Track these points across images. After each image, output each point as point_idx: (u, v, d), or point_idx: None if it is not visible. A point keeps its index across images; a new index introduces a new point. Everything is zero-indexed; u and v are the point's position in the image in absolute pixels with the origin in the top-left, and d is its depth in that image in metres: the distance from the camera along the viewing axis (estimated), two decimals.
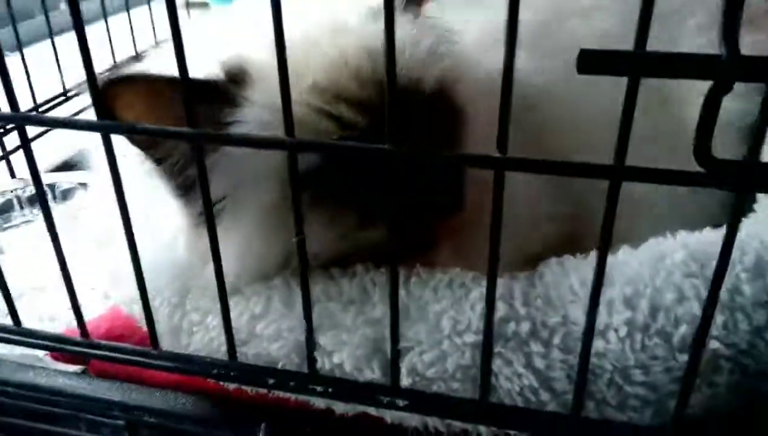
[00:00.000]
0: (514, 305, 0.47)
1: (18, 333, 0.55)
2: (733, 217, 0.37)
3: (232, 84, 0.49)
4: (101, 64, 0.41)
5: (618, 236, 0.42)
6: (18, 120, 0.45)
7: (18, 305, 0.55)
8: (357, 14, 0.52)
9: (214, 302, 0.53)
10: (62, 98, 1.14)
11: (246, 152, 0.48)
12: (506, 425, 0.47)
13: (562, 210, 0.65)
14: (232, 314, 0.48)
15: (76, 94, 1.10)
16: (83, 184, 0.96)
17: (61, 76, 1.12)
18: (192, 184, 0.49)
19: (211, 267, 0.44)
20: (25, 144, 0.46)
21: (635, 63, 0.32)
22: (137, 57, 1.21)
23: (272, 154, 0.46)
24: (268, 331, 0.50)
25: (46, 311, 0.80)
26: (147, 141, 0.48)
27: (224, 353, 0.52)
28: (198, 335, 0.53)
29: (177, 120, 0.40)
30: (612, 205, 0.37)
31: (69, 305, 0.52)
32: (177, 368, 0.52)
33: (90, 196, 0.67)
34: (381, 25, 0.35)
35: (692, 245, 0.48)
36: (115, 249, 0.62)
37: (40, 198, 0.48)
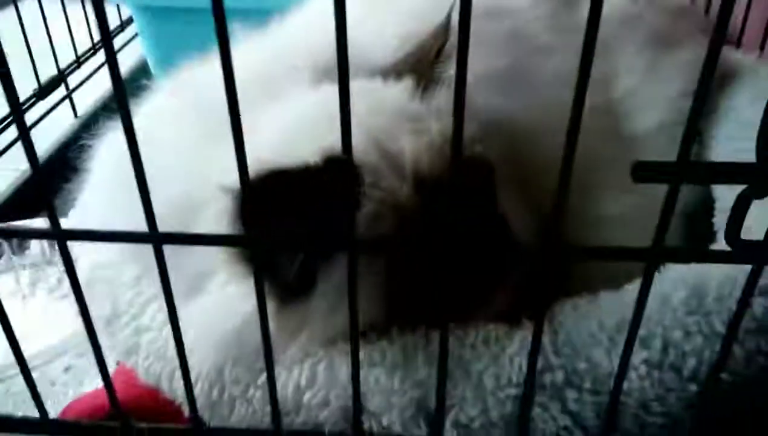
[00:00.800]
0: (547, 356, 0.51)
1: (47, 425, 0.54)
2: (748, 282, 0.42)
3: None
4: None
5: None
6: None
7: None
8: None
9: (252, 375, 0.55)
10: None
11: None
12: None
13: None
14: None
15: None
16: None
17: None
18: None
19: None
20: None
21: (684, 172, 0.36)
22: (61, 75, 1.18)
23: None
24: (316, 400, 0.53)
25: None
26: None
27: (268, 423, 0.55)
28: (240, 408, 0.55)
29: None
30: (647, 284, 0.42)
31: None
32: None
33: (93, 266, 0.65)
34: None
35: (690, 282, 0.53)
36: (124, 323, 0.62)
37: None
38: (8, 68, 0.37)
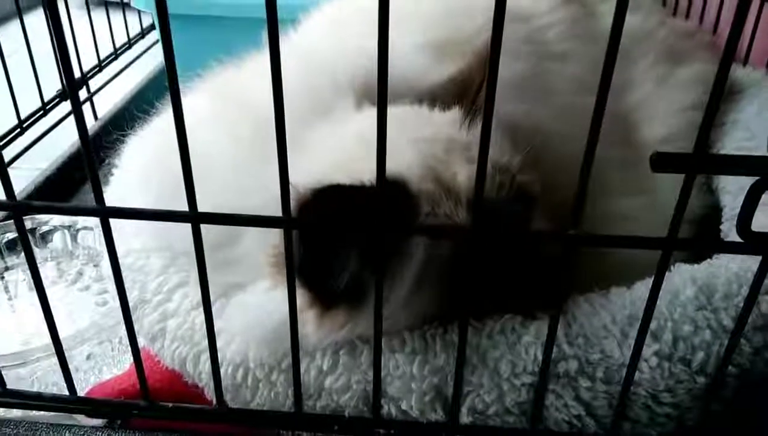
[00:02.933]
0: (561, 346, 0.53)
1: (76, 402, 0.56)
2: (758, 275, 0.44)
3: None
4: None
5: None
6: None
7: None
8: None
9: (276, 359, 0.57)
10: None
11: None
12: None
13: None
14: None
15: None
16: (65, 227, 0.95)
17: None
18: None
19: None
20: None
21: (701, 162, 0.38)
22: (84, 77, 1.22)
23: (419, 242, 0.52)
24: (338, 384, 0.55)
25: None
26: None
27: (290, 406, 0.57)
28: (263, 391, 0.57)
29: None
30: (661, 272, 0.44)
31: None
32: (244, 422, 0.56)
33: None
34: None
35: (699, 281, 0.55)
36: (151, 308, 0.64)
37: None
38: (68, 52, 0.39)
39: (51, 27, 0.38)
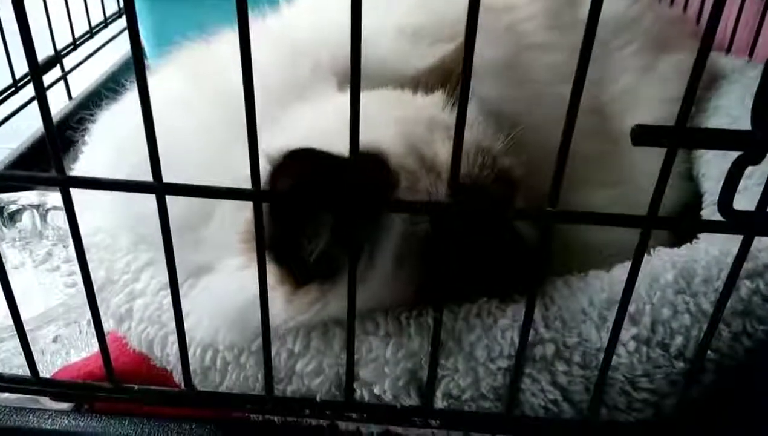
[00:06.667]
0: (538, 329, 0.52)
1: (37, 384, 0.54)
2: (739, 254, 0.44)
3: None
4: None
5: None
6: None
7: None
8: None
9: (246, 341, 0.55)
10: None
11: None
12: (530, 434, 0.53)
13: None
14: None
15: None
16: (34, 206, 0.92)
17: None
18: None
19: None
20: None
21: (681, 137, 0.37)
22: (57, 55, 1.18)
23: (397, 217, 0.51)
24: (309, 368, 0.53)
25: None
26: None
27: (260, 389, 0.55)
28: (232, 374, 0.55)
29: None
30: (641, 251, 0.43)
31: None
32: (213, 406, 0.54)
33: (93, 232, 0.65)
34: None
35: (679, 264, 0.55)
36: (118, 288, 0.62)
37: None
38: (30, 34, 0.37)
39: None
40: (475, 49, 0.37)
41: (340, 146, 0.45)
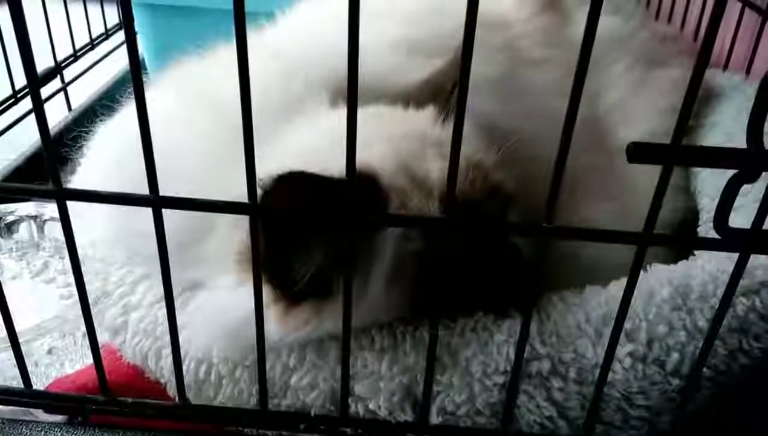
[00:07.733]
0: (534, 345, 0.52)
1: (31, 396, 0.54)
2: (735, 272, 0.44)
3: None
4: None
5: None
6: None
7: None
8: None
9: (241, 356, 0.55)
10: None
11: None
12: None
13: None
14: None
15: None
16: (32, 217, 0.92)
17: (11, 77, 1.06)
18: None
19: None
20: None
21: (676, 155, 0.37)
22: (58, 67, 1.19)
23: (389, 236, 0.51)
24: (304, 382, 0.53)
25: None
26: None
27: (254, 403, 0.55)
28: (227, 388, 0.55)
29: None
30: (637, 268, 0.43)
31: None
32: (207, 420, 0.54)
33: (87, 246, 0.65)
34: None
35: (675, 281, 0.54)
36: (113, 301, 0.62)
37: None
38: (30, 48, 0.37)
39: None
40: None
41: (333, 166, 0.46)
